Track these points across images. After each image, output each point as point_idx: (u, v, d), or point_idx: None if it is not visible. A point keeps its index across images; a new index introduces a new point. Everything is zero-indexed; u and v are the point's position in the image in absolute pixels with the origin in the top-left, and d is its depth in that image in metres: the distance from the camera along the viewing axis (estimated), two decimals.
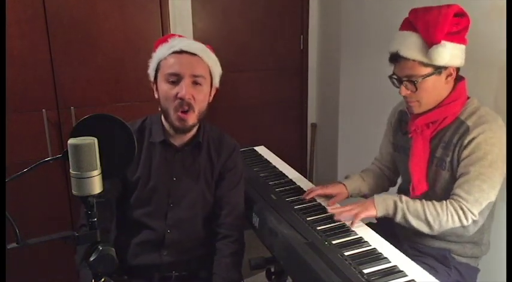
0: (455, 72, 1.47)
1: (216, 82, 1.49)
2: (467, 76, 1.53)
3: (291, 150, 3.29)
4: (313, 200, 1.66)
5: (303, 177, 1.90)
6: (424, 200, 1.46)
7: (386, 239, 1.68)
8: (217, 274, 1.44)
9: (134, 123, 1.49)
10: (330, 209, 1.58)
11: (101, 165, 0.89)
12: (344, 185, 1.75)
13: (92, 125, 0.93)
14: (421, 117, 1.52)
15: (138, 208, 1.48)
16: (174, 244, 1.49)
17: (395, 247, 1.63)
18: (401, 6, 2.29)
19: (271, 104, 3.19)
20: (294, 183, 1.82)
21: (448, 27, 1.40)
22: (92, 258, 0.90)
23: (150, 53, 1.46)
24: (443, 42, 1.40)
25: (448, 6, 1.42)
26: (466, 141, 1.43)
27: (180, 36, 1.49)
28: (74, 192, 0.88)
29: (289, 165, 2.03)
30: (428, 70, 1.44)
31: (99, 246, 0.91)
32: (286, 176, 1.89)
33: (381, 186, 1.85)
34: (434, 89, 1.47)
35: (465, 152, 1.43)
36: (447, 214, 1.41)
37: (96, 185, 0.88)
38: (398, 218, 1.46)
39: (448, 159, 1.49)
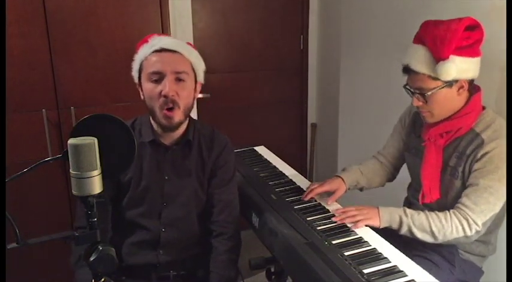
0: (467, 85, 1.47)
1: (201, 77, 1.50)
2: None
3: (291, 150, 3.29)
4: (313, 199, 1.66)
5: (303, 177, 1.90)
6: (427, 212, 1.48)
7: (391, 234, 1.70)
8: (214, 272, 1.45)
9: None
10: (333, 210, 1.57)
11: (101, 165, 0.89)
12: (342, 179, 1.75)
13: (92, 125, 0.93)
14: (435, 128, 1.53)
15: (132, 209, 1.48)
16: (170, 243, 1.49)
17: (400, 241, 1.65)
18: (401, 6, 2.30)
19: (271, 104, 3.19)
20: (294, 183, 1.82)
21: (456, 42, 1.40)
22: (92, 258, 0.90)
23: None
24: (451, 57, 1.40)
25: (460, 20, 1.41)
26: (479, 155, 1.43)
27: (160, 35, 1.49)
28: (74, 192, 0.88)
29: (289, 165, 2.03)
30: (438, 83, 1.45)
31: (99, 246, 0.91)
32: (286, 176, 1.89)
33: (379, 180, 1.85)
34: (446, 101, 1.48)
35: (477, 164, 1.44)
36: (451, 225, 1.43)
37: (96, 185, 0.88)
38: (403, 231, 1.48)
39: (461, 169, 1.50)
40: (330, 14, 3.00)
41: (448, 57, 1.40)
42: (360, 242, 1.37)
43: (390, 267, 1.24)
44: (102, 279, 0.93)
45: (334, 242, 1.36)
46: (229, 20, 2.94)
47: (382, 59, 2.51)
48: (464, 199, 1.45)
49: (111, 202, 1.47)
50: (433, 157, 1.55)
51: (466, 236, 1.44)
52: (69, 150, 0.86)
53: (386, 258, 1.28)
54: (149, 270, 1.50)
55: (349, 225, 1.47)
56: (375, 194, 1.90)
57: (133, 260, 1.49)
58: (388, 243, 1.37)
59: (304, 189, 1.76)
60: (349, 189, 1.77)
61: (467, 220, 1.42)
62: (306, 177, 1.92)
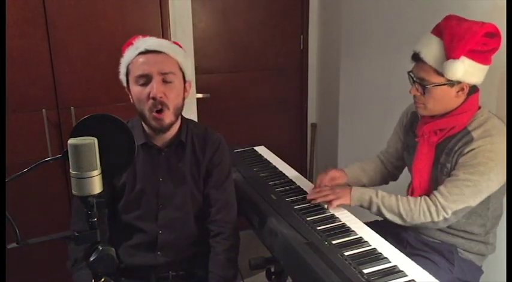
0: (467, 89, 1.48)
1: (189, 76, 1.47)
2: None
3: (291, 150, 3.29)
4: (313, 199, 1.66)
5: (302, 177, 1.90)
6: (399, 196, 1.54)
7: (390, 233, 1.72)
8: (212, 272, 1.45)
9: None
10: (308, 191, 1.66)
11: (101, 165, 0.89)
12: (344, 171, 1.82)
13: (92, 125, 0.93)
14: (429, 124, 1.55)
15: (128, 212, 1.47)
16: (168, 244, 1.49)
17: (400, 240, 1.67)
18: (401, 6, 2.30)
19: (271, 104, 3.19)
20: (294, 183, 1.82)
21: (472, 45, 1.40)
22: (92, 258, 0.90)
23: None
24: (462, 58, 1.40)
25: (483, 24, 1.41)
26: (466, 150, 1.46)
27: (144, 36, 1.47)
28: (74, 192, 0.88)
29: (289, 165, 2.03)
30: (441, 80, 1.45)
31: (99, 246, 0.91)
32: (286, 176, 1.89)
33: (381, 179, 1.89)
34: (442, 99, 1.49)
35: (462, 158, 1.46)
36: (419, 210, 1.48)
37: (96, 185, 0.88)
38: (373, 211, 1.56)
39: (449, 165, 1.52)
40: (330, 14, 3.00)
41: (459, 57, 1.40)
42: (360, 242, 1.37)
43: (390, 267, 1.24)
44: (102, 279, 0.93)
45: (334, 242, 1.36)
46: (229, 20, 2.94)
47: (382, 59, 2.51)
48: (441, 187, 1.49)
49: (107, 206, 1.46)
50: (424, 153, 1.57)
51: (433, 221, 1.48)
52: (69, 150, 0.86)
53: (386, 258, 1.28)
54: (148, 271, 1.50)
55: (325, 206, 1.57)
56: None
57: (132, 261, 1.49)
58: (388, 243, 1.37)
59: (304, 189, 1.76)
60: (349, 185, 1.80)
61: (436, 206, 1.46)
62: (306, 177, 1.92)
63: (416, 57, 1.50)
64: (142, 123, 1.46)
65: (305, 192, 1.73)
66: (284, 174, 1.92)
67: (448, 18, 1.49)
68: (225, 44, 2.97)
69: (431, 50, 1.46)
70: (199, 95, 2.92)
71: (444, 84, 1.45)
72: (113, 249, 0.92)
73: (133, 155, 0.98)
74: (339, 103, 2.95)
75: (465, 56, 1.40)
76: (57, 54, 2.07)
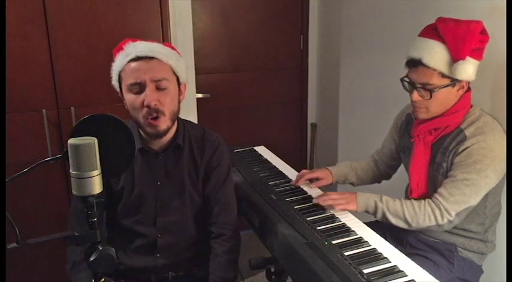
0: (467, 86, 1.51)
1: (183, 78, 1.43)
2: None
3: (291, 150, 3.29)
4: (313, 200, 1.66)
5: None
6: (403, 200, 1.54)
7: (389, 233, 1.73)
8: (213, 273, 1.44)
9: None
10: (315, 192, 1.67)
11: (101, 165, 0.89)
12: (329, 171, 1.85)
13: (92, 125, 0.93)
14: (424, 124, 1.56)
15: (127, 216, 1.46)
16: (167, 247, 1.49)
17: (399, 240, 1.68)
18: (401, 6, 2.30)
19: (271, 104, 3.19)
20: (294, 184, 1.82)
21: (474, 44, 1.42)
22: (92, 258, 0.90)
23: None
24: (467, 58, 1.42)
25: (477, 22, 1.43)
26: (460, 149, 1.47)
27: (134, 40, 1.43)
28: (74, 192, 0.88)
29: (289, 165, 2.03)
30: (446, 81, 1.47)
31: (99, 246, 0.91)
32: (286, 176, 1.89)
33: (373, 178, 1.92)
34: (445, 100, 1.50)
35: (457, 158, 1.48)
36: (424, 214, 1.48)
37: (96, 185, 0.88)
38: (378, 217, 1.55)
39: (444, 164, 1.53)
40: (330, 14, 3.00)
41: (465, 58, 1.42)
42: (360, 242, 1.37)
43: (390, 267, 1.24)
44: (102, 280, 0.94)
45: (334, 242, 1.36)
46: (229, 20, 2.94)
47: (382, 59, 2.51)
48: (440, 189, 1.49)
49: (105, 210, 1.46)
50: (421, 153, 1.59)
51: (438, 225, 1.48)
52: (69, 150, 0.86)
53: (386, 258, 1.28)
54: (148, 273, 1.50)
55: (332, 211, 1.56)
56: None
57: (132, 264, 1.49)
58: (388, 243, 1.37)
59: (304, 189, 1.76)
60: (337, 182, 1.87)
61: (439, 209, 1.47)
62: None
63: (414, 63, 1.48)
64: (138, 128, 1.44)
65: (305, 192, 1.73)
66: (284, 174, 1.92)
67: (443, 20, 1.49)
68: (225, 44, 2.97)
69: (434, 54, 1.45)
70: (199, 95, 2.92)
71: (449, 85, 1.47)
72: (113, 249, 0.92)
73: (133, 155, 0.98)
74: (339, 103, 2.95)
75: (469, 56, 1.42)
76: (57, 54, 2.07)
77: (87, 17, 2.09)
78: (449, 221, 1.47)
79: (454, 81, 1.46)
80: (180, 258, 1.51)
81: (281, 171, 1.95)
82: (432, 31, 1.50)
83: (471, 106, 1.55)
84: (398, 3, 2.31)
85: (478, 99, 1.60)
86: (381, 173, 1.91)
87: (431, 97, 1.48)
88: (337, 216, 1.53)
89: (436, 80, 1.46)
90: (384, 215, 1.53)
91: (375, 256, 1.29)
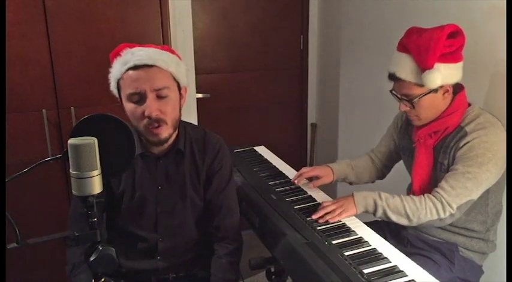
0: (451, 89, 1.52)
1: (184, 82, 1.40)
2: (467, 76, 1.54)
3: (291, 150, 3.29)
4: (313, 200, 1.66)
5: None
6: (402, 195, 1.52)
7: (390, 232, 1.72)
8: (214, 275, 1.44)
9: None
10: (315, 192, 1.68)
11: (101, 165, 0.89)
12: (332, 169, 1.83)
13: (92, 125, 0.93)
14: (423, 129, 1.58)
15: (127, 220, 1.45)
16: (168, 250, 1.48)
17: (400, 239, 1.68)
18: (401, 7, 2.30)
19: (271, 104, 3.19)
20: (294, 183, 1.82)
21: (440, 51, 1.43)
22: (92, 258, 0.90)
23: None
24: (436, 65, 1.44)
25: (442, 28, 1.44)
26: (461, 144, 1.48)
27: (131, 45, 1.37)
28: (74, 192, 0.88)
29: (289, 165, 2.03)
30: (424, 90, 1.49)
31: (99, 246, 0.91)
32: (286, 176, 1.89)
33: (368, 177, 1.91)
34: (432, 106, 1.52)
35: (459, 152, 1.48)
36: (425, 208, 1.47)
37: (96, 185, 0.88)
38: (379, 215, 1.52)
39: (446, 162, 1.54)
40: (330, 14, 3.00)
41: (432, 67, 1.44)
42: (360, 242, 1.37)
43: (390, 267, 1.24)
44: (102, 280, 0.94)
45: (334, 242, 1.36)
46: (229, 20, 2.94)
47: (382, 59, 2.50)
48: (442, 182, 1.49)
49: (106, 213, 1.45)
50: (423, 157, 1.59)
51: (440, 219, 1.47)
52: (69, 150, 0.86)
53: (386, 258, 1.28)
54: (148, 274, 1.49)
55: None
56: None
57: (132, 266, 1.48)
58: (388, 243, 1.37)
59: (304, 189, 1.76)
60: (337, 181, 1.85)
61: (441, 202, 1.46)
62: None
63: (393, 77, 1.54)
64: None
65: (305, 192, 1.73)
66: (284, 174, 1.92)
67: (408, 32, 1.53)
68: (225, 44, 2.97)
69: (404, 67, 1.50)
70: (199, 95, 2.92)
71: (428, 93, 1.49)
72: (113, 249, 0.92)
73: (133, 155, 0.97)
74: (339, 103, 2.95)
75: (438, 62, 1.44)
76: (57, 54, 2.07)
77: (87, 17, 2.09)
78: (451, 215, 1.46)
79: (433, 89, 1.48)
80: (181, 260, 1.50)
81: (281, 171, 1.95)
82: (402, 44, 1.54)
83: (469, 105, 1.55)
84: (398, 3, 2.31)
85: (477, 98, 1.61)
86: (377, 172, 1.91)
87: (414, 107, 1.52)
88: None
89: (415, 90, 1.50)
90: (384, 212, 1.50)
91: (375, 256, 1.29)
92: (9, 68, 1.99)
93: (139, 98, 1.30)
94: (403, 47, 1.53)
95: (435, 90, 1.48)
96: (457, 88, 1.54)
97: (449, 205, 1.45)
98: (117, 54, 1.35)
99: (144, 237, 1.46)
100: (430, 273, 1.21)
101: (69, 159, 0.86)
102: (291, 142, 3.33)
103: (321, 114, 3.27)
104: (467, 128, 1.49)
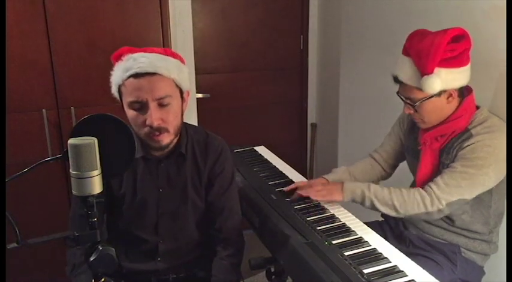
0: (456, 93, 1.50)
1: (187, 87, 1.37)
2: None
3: (291, 150, 3.29)
4: (313, 199, 1.66)
5: (303, 177, 1.90)
6: (391, 188, 1.54)
7: (392, 232, 1.72)
8: (215, 275, 1.44)
9: None
10: (297, 184, 1.65)
11: (101, 165, 0.89)
12: (327, 180, 1.80)
13: (92, 125, 0.93)
14: (430, 132, 1.57)
15: (128, 222, 1.45)
16: (168, 252, 1.48)
17: (402, 239, 1.69)
18: (401, 7, 2.30)
19: (271, 104, 3.19)
20: (294, 183, 1.82)
21: (440, 56, 1.42)
22: (92, 258, 0.90)
23: None
24: (436, 69, 1.43)
25: (445, 32, 1.43)
26: (464, 145, 1.48)
27: (133, 50, 1.34)
28: (74, 192, 0.88)
29: (289, 165, 2.03)
30: (426, 94, 1.48)
31: (99, 246, 0.91)
32: (286, 176, 1.89)
33: (369, 179, 1.87)
34: (435, 110, 1.52)
35: (460, 152, 1.48)
36: (412, 201, 1.49)
37: (96, 185, 0.88)
38: (367, 205, 1.55)
39: (448, 162, 1.53)
40: (330, 14, 3.00)
41: (431, 72, 1.43)
42: (360, 242, 1.37)
43: (390, 267, 1.24)
44: (102, 280, 0.93)
45: (334, 242, 1.36)
46: (229, 20, 2.94)
47: (382, 59, 2.51)
48: (437, 178, 1.50)
49: (106, 215, 1.43)
50: (428, 160, 1.59)
51: (427, 212, 1.48)
52: (69, 150, 0.86)
53: (386, 258, 1.28)
54: (148, 275, 1.49)
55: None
56: None
57: (132, 267, 1.48)
58: (388, 243, 1.37)
59: None
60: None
61: (430, 196, 1.47)
62: (306, 177, 1.92)
63: (396, 80, 1.55)
64: None
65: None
66: (284, 174, 1.92)
67: (410, 37, 1.53)
68: (225, 44, 2.97)
69: (406, 71, 1.50)
70: (199, 95, 2.92)
71: (431, 97, 1.48)
72: (113, 249, 0.92)
73: (134, 155, 0.97)
74: (339, 103, 2.95)
75: (439, 67, 1.43)
76: (57, 54, 2.07)
77: (87, 17, 2.09)
78: (439, 210, 1.47)
79: (434, 94, 1.47)
80: (181, 261, 1.50)
81: (281, 172, 1.95)
82: (405, 48, 1.54)
83: (477, 108, 1.54)
84: (399, 3, 2.31)
85: (478, 98, 1.60)
86: (381, 172, 1.89)
87: (416, 111, 1.52)
88: (337, 216, 1.53)
89: (416, 94, 1.50)
90: (372, 203, 1.53)
91: (375, 256, 1.29)
92: (9, 68, 1.99)
93: (140, 106, 1.29)
94: (404, 50, 1.53)
95: (438, 95, 1.47)
96: (465, 91, 1.52)
97: (439, 200, 1.46)
98: (119, 57, 1.33)
99: (144, 239, 1.46)
100: (431, 274, 1.21)
101: (69, 159, 0.86)
102: (291, 142, 3.33)
103: (321, 114, 3.27)
104: (473, 131, 1.48)
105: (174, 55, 1.38)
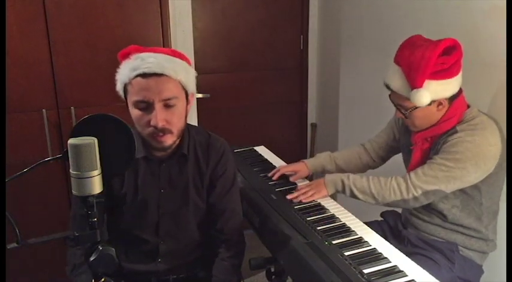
0: (446, 101, 1.52)
1: (192, 90, 1.38)
2: (467, 76, 1.54)
3: (291, 150, 3.29)
4: (313, 200, 1.66)
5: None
6: (370, 176, 1.60)
7: (390, 232, 1.74)
8: (215, 276, 1.44)
9: None
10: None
11: (101, 165, 0.89)
12: (305, 164, 1.88)
13: (92, 125, 0.93)
14: (420, 133, 1.60)
15: (129, 222, 1.45)
16: (169, 253, 1.48)
17: (400, 239, 1.70)
18: (401, 7, 2.30)
19: (271, 104, 3.19)
20: (294, 183, 1.82)
21: (431, 69, 1.43)
22: (92, 258, 0.90)
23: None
24: (426, 82, 1.45)
25: (436, 44, 1.44)
26: (448, 140, 1.50)
27: (141, 49, 1.34)
28: (74, 192, 0.87)
29: None
30: (415, 104, 1.50)
31: (99, 246, 0.91)
32: (286, 176, 1.89)
33: (355, 168, 1.92)
34: (425, 117, 1.54)
35: (443, 147, 1.51)
36: (389, 188, 1.53)
37: (96, 185, 0.88)
38: (347, 194, 1.62)
39: (434, 156, 1.55)
40: (330, 14, 3.00)
41: (421, 86, 1.45)
42: (360, 242, 1.37)
43: (390, 267, 1.24)
44: (102, 280, 0.93)
45: (334, 242, 1.36)
46: (229, 20, 2.94)
47: (382, 59, 2.50)
48: (417, 168, 1.54)
49: (107, 215, 1.43)
50: (418, 160, 1.61)
51: (403, 199, 1.52)
52: (69, 150, 0.86)
53: (386, 258, 1.28)
54: (149, 276, 1.49)
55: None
56: None
57: (132, 268, 1.48)
58: (388, 243, 1.37)
59: None
60: (314, 173, 1.91)
61: (406, 183, 1.51)
62: (306, 177, 1.92)
63: (387, 87, 1.57)
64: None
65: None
66: (284, 174, 1.91)
67: (402, 47, 1.54)
68: (225, 44, 2.97)
69: (396, 80, 1.53)
70: (199, 95, 2.92)
71: (420, 106, 1.50)
72: (113, 249, 0.92)
73: (134, 155, 0.97)
74: (339, 103, 2.95)
75: (429, 79, 1.44)
76: (57, 54, 2.07)
77: (87, 17, 2.09)
78: (415, 197, 1.50)
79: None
80: (182, 262, 1.50)
81: None
82: (396, 57, 1.55)
83: (468, 107, 1.56)
84: (398, 3, 2.31)
85: (477, 99, 1.60)
86: (368, 161, 1.91)
87: (406, 117, 1.55)
88: (337, 216, 1.53)
89: (407, 103, 1.52)
90: (351, 191, 1.59)
91: (375, 256, 1.29)
92: (9, 68, 1.99)
93: (146, 106, 1.29)
94: (396, 59, 1.55)
95: (428, 104, 1.49)
96: (455, 94, 1.53)
97: (414, 188, 1.50)
98: (126, 55, 1.33)
99: (145, 239, 1.46)
100: (430, 273, 1.21)
101: (69, 159, 0.86)
102: (291, 142, 3.33)
103: (321, 114, 3.27)
104: (459, 127, 1.51)
105: (182, 57, 1.38)
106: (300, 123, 3.33)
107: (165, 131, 1.31)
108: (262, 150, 2.25)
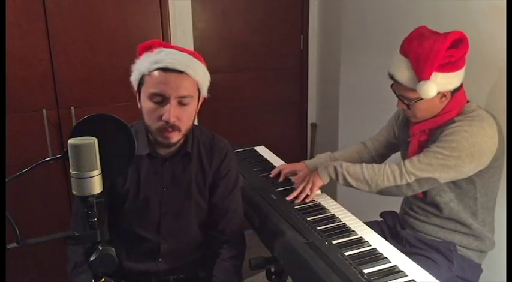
0: (449, 94, 1.52)
1: (204, 92, 1.42)
2: (466, 76, 1.54)
3: (291, 150, 3.29)
4: (313, 200, 1.66)
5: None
6: (364, 164, 1.59)
7: (389, 232, 1.73)
8: (216, 276, 1.44)
9: None
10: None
11: (101, 165, 0.89)
12: (305, 164, 1.88)
13: (92, 125, 0.93)
14: (419, 124, 1.60)
15: (131, 220, 1.45)
16: (170, 252, 1.48)
17: (399, 239, 1.70)
18: (401, 6, 2.30)
19: (271, 104, 3.19)
20: (294, 183, 1.82)
21: (439, 61, 1.43)
22: (92, 258, 0.90)
23: None
24: (433, 74, 1.44)
25: (445, 36, 1.44)
26: (445, 129, 1.51)
27: (165, 45, 1.38)
28: (74, 192, 0.87)
29: None
30: (419, 95, 1.50)
31: (99, 246, 0.91)
32: (286, 176, 1.89)
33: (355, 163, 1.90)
34: (428, 108, 1.54)
35: (440, 136, 1.51)
36: (383, 174, 1.52)
37: (96, 185, 0.88)
38: (341, 181, 1.60)
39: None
40: (330, 14, 3.00)
41: (429, 78, 1.44)
42: (360, 242, 1.37)
43: (390, 267, 1.24)
44: (102, 280, 0.93)
45: (334, 242, 1.36)
46: (229, 20, 2.94)
47: (382, 59, 2.49)
48: (413, 156, 1.53)
49: (108, 213, 1.43)
50: (415, 151, 1.61)
51: (396, 186, 1.51)
52: (69, 150, 0.86)
53: (386, 258, 1.28)
54: (149, 276, 1.49)
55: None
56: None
57: (132, 267, 1.48)
58: (388, 243, 1.37)
59: None
60: None
61: (400, 170, 1.51)
62: None
63: (391, 77, 1.56)
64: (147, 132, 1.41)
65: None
66: (286, 176, 1.91)
67: (410, 38, 1.53)
68: (225, 44, 2.97)
69: (402, 71, 1.52)
70: None
71: (424, 98, 1.50)
72: (113, 249, 0.92)
73: (134, 155, 0.97)
74: (339, 103, 2.95)
75: (436, 71, 1.44)
76: (57, 54, 2.07)
77: (87, 17, 2.09)
78: (408, 184, 1.50)
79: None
80: (182, 262, 1.50)
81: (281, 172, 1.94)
82: (403, 47, 1.54)
83: (468, 101, 1.57)
84: (398, 3, 2.31)
85: (477, 99, 1.60)
86: (369, 159, 1.91)
87: (409, 108, 1.55)
88: (337, 216, 1.53)
89: (411, 94, 1.52)
90: (344, 178, 1.58)
91: (375, 256, 1.29)
92: (9, 68, 1.99)
93: (161, 99, 1.30)
94: (403, 50, 1.54)
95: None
96: (457, 87, 1.54)
97: (408, 174, 1.49)
98: (149, 48, 1.35)
99: (146, 238, 1.46)
100: (429, 272, 1.21)
101: (69, 159, 0.86)
102: (291, 142, 3.33)
103: (321, 114, 3.27)
104: (456, 118, 1.51)
105: (201, 60, 1.42)
106: (300, 123, 3.33)
107: (174, 128, 1.32)
108: (262, 150, 2.25)
